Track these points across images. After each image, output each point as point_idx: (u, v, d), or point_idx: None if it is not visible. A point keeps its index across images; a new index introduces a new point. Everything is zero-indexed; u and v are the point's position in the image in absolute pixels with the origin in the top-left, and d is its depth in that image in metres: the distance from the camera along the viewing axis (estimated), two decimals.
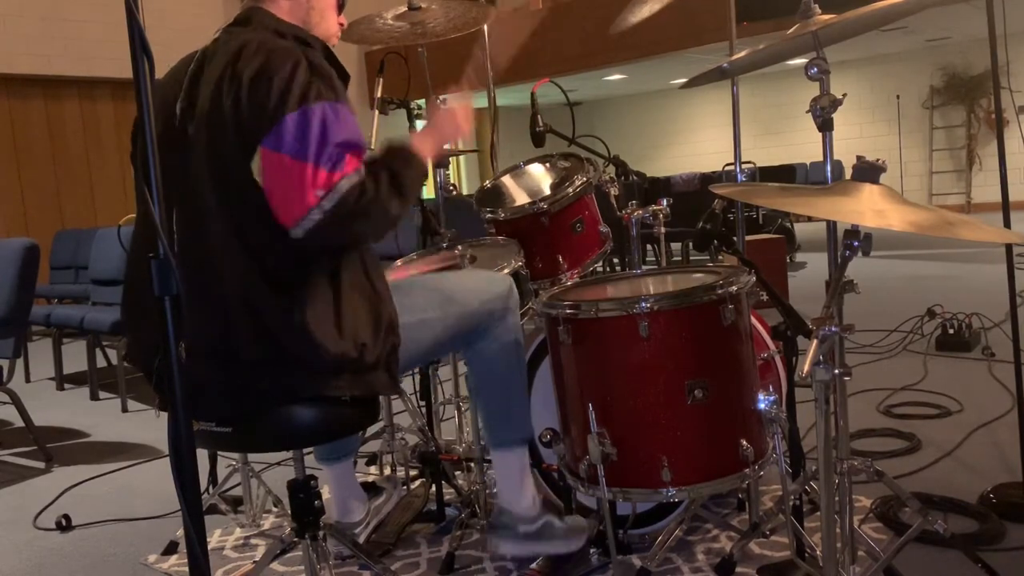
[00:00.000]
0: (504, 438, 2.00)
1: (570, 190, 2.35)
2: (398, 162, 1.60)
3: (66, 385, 5.18)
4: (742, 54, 1.80)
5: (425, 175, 1.70)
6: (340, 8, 1.80)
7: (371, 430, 2.58)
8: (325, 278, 1.56)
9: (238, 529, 2.57)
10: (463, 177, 14.49)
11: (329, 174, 1.48)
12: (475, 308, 1.86)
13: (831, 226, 1.75)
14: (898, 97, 13.02)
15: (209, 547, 1.45)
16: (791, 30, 1.68)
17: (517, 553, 2.04)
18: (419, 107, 2.82)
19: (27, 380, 5.42)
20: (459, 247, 2.54)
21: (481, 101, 4.37)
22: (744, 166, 3.80)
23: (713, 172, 8.84)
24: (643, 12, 2.25)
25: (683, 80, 2.00)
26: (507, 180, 2.63)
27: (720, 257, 4.82)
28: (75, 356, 5.55)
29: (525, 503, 2.00)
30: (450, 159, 2.37)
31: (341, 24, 1.81)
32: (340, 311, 1.56)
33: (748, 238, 5.75)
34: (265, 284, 1.52)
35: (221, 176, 1.53)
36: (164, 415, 1.24)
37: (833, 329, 1.30)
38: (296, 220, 1.48)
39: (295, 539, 1.80)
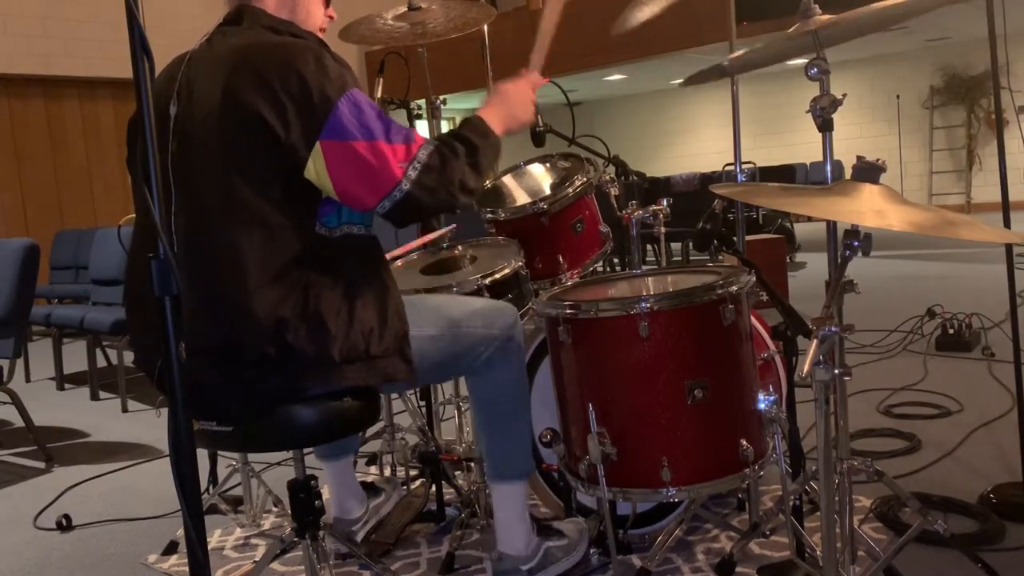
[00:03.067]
0: (503, 472, 1.97)
1: (570, 190, 2.35)
2: (470, 131, 1.64)
3: (66, 385, 5.18)
4: (741, 52, 1.80)
5: (498, 149, 1.70)
6: (327, 0, 1.78)
7: (371, 430, 2.58)
8: (336, 271, 1.56)
9: (238, 529, 2.57)
10: None
11: (406, 146, 1.52)
12: (479, 333, 1.84)
13: (831, 226, 1.75)
14: (898, 97, 13.02)
15: (209, 547, 1.44)
16: (791, 30, 1.68)
17: None
18: (419, 107, 2.83)
19: (27, 380, 5.42)
20: (459, 247, 2.54)
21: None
22: (744, 166, 3.80)
23: (713, 172, 8.85)
24: (644, 14, 2.24)
25: (683, 80, 2.00)
26: (507, 180, 2.63)
27: (720, 257, 4.82)
28: (75, 356, 5.56)
29: (522, 541, 1.98)
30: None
31: (331, 17, 1.80)
32: (351, 303, 1.56)
33: (748, 238, 5.76)
34: (275, 280, 1.50)
35: (235, 176, 1.50)
36: (164, 415, 1.24)
37: (833, 329, 1.30)
38: (381, 197, 1.51)
39: (295, 539, 1.80)
